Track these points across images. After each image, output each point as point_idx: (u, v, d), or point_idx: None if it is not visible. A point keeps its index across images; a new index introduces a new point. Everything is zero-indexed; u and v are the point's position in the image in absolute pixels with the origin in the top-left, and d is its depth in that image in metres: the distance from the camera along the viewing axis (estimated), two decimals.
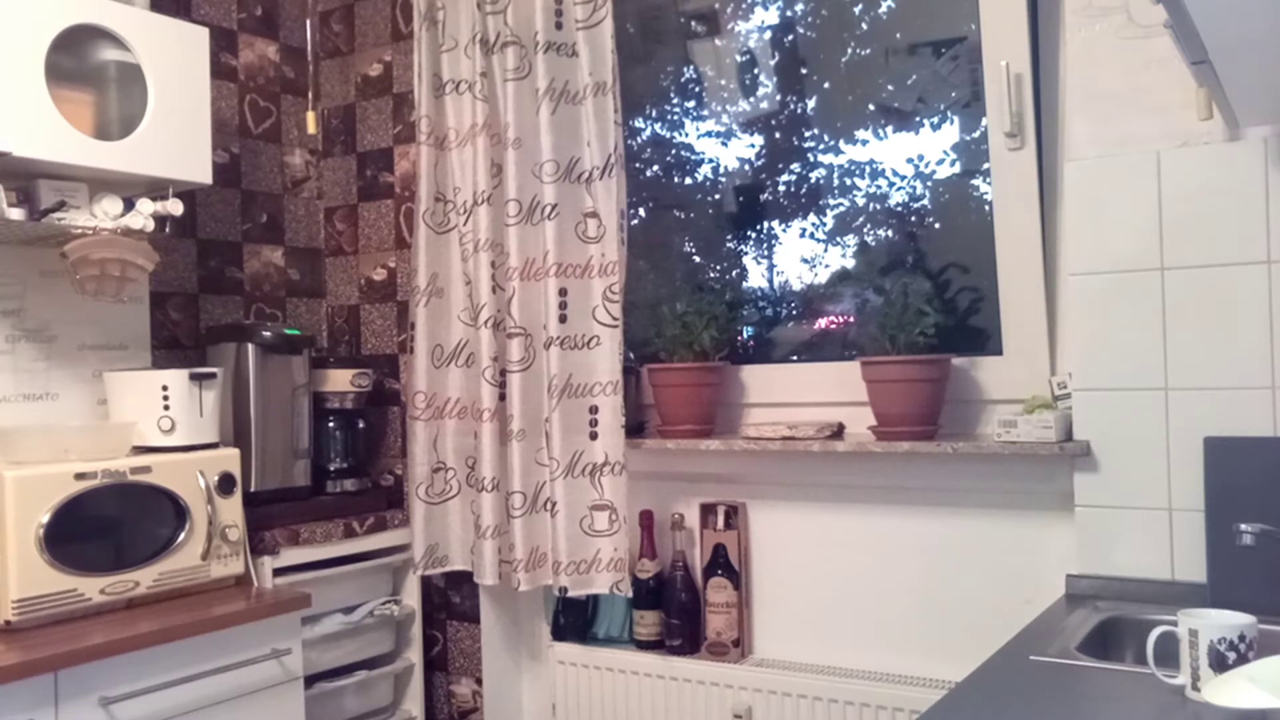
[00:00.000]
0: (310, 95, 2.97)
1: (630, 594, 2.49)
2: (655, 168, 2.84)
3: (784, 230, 2.62)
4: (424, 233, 2.66)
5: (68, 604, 2.01)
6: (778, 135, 2.64)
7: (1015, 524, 2.18)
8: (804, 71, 2.61)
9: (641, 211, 2.83)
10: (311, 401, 2.65)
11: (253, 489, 2.48)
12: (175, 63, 2.28)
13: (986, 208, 2.29)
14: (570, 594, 2.46)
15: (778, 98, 2.64)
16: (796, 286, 2.62)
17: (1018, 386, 2.20)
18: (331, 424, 2.73)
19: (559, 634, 2.68)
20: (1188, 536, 1.92)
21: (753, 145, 2.67)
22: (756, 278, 2.68)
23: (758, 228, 2.66)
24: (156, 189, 2.32)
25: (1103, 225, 1.99)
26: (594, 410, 2.48)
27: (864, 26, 2.52)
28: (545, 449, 2.50)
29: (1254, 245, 1.87)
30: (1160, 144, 1.95)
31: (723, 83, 2.72)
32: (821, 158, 2.57)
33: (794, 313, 2.63)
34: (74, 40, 2.13)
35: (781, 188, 2.63)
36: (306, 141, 2.98)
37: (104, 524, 2.08)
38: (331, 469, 2.73)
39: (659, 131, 2.83)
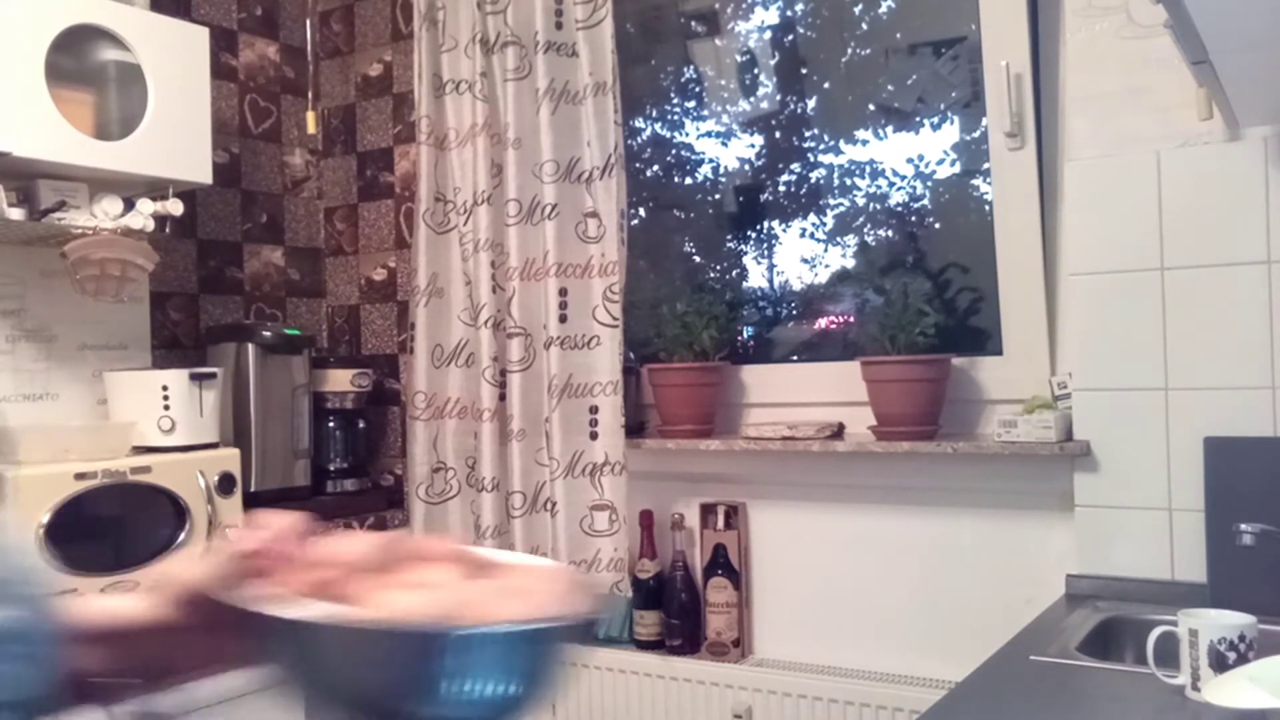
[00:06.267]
0: (310, 95, 2.96)
1: (630, 594, 2.49)
2: (655, 168, 2.84)
3: (784, 230, 2.62)
4: (424, 233, 2.66)
5: None
6: (778, 135, 2.64)
7: (1015, 524, 2.18)
8: (804, 71, 2.61)
9: (641, 211, 2.83)
10: (311, 401, 2.65)
11: (253, 489, 2.48)
12: (175, 63, 2.28)
13: (986, 208, 2.29)
14: None
15: (778, 98, 2.64)
16: (796, 286, 2.62)
17: (1018, 386, 2.20)
18: (331, 424, 2.73)
19: None
20: (1188, 536, 1.92)
21: (753, 145, 2.67)
22: (756, 278, 2.68)
23: (758, 228, 2.66)
24: (156, 189, 2.32)
25: (1102, 225, 1.99)
26: (594, 410, 2.48)
27: (864, 26, 2.52)
28: (545, 449, 2.50)
29: (1254, 245, 1.86)
30: (1160, 144, 1.95)
31: (723, 83, 2.72)
32: (821, 158, 2.57)
33: (794, 313, 2.63)
34: (74, 40, 2.13)
35: (781, 188, 2.63)
36: (306, 141, 2.98)
37: (104, 524, 2.08)
38: (331, 469, 2.73)
39: (659, 131, 2.82)
